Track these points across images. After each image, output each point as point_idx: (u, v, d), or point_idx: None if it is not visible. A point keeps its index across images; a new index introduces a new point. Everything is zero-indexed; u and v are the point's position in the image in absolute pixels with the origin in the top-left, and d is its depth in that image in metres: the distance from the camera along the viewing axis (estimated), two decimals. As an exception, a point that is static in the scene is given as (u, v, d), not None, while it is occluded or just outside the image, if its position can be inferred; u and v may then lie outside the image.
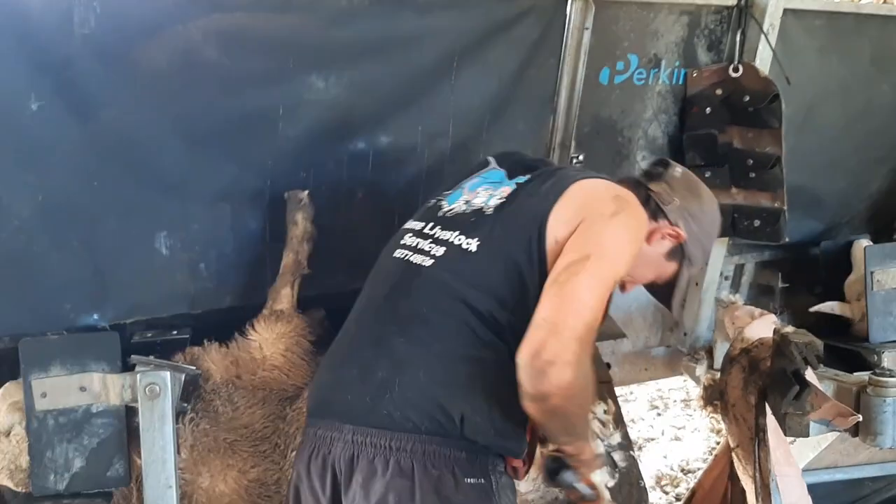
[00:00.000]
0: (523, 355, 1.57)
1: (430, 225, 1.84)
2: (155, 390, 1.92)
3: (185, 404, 2.05)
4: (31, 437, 1.96)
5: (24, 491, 2.04)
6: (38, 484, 1.97)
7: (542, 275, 1.66)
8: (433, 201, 1.94)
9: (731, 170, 2.66)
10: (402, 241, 1.85)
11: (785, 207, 2.60)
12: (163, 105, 2.00)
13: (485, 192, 1.86)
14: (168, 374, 1.93)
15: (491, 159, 2.01)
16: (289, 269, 2.21)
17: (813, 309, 2.86)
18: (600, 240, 1.67)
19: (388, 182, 2.32)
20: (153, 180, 2.06)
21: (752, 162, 2.63)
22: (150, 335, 2.17)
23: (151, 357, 1.99)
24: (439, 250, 1.75)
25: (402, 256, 1.80)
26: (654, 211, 1.91)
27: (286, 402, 2.13)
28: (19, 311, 2.04)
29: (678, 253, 1.94)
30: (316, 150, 2.20)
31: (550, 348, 1.55)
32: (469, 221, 1.79)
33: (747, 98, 2.58)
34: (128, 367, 2.00)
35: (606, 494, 1.79)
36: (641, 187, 1.94)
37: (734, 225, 2.68)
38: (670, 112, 2.65)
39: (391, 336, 1.67)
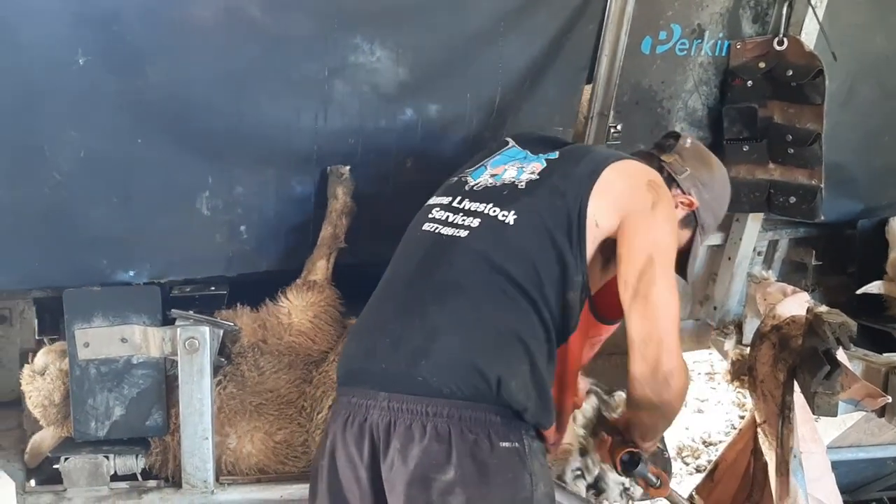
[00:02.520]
0: (642, 372, 1.73)
1: (458, 199, 1.85)
2: (194, 344, 1.97)
3: (223, 359, 2.09)
4: (74, 385, 2.02)
5: (53, 429, 2.10)
6: (79, 430, 2.03)
7: (582, 254, 1.72)
8: (455, 178, 1.95)
9: (770, 145, 2.63)
10: (429, 216, 1.85)
11: (822, 185, 2.58)
12: (208, 64, 2.00)
13: (512, 168, 1.87)
14: (207, 328, 1.98)
15: (510, 140, 2.02)
16: (326, 241, 2.24)
17: (860, 291, 2.82)
18: (654, 237, 1.76)
19: (436, 150, 2.32)
20: (197, 140, 2.07)
21: (791, 138, 2.59)
22: (188, 290, 2.21)
23: (191, 312, 2.03)
24: (473, 221, 1.76)
25: (432, 229, 1.81)
26: (668, 181, 1.96)
27: (312, 365, 2.18)
28: (58, 264, 2.08)
29: (691, 221, 2.01)
30: (363, 115, 2.20)
31: (666, 361, 1.72)
32: (501, 194, 1.80)
33: (790, 72, 2.54)
34: (168, 321, 2.05)
35: (668, 481, 2.03)
36: (654, 159, 2.01)
37: (769, 201, 2.66)
38: (711, 84, 2.62)
39: (424, 304, 1.68)
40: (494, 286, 1.67)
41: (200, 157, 2.09)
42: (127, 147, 2.03)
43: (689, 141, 2.07)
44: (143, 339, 2.00)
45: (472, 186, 1.87)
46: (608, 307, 1.87)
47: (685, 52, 2.53)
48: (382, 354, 1.66)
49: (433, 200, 1.91)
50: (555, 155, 1.87)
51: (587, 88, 2.49)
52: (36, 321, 2.23)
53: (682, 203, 1.98)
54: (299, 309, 2.16)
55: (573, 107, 2.45)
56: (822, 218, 2.63)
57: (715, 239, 2.83)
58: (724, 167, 2.13)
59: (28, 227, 2.03)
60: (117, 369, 2.02)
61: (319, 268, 2.22)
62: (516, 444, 1.61)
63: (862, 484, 3.41)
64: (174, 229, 2.17)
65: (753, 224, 2.78)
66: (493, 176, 1.87)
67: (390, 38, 2.12)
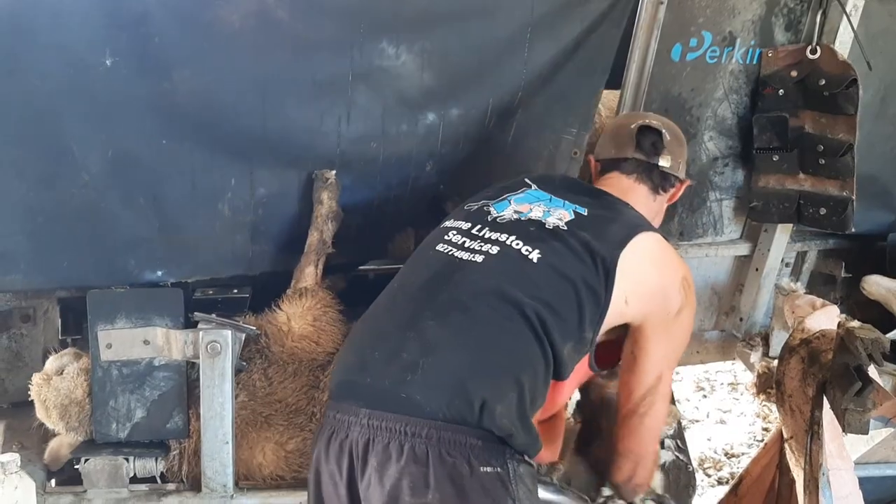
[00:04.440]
0: (619, 480, 1.99)
1: (479, 227, 1.82)
2: (216, 348, 1.96)
3: (244, 363, 2.09)
4: (96, 386, 2.02)
5: (73, 432, 2.10)
6: (100, 431, 2.03)
7: (601, 317, 1.73)
8: (476, 205, 1.92)
9: (801, 155, 2.59)
10: (445, 237, 1.82)
11: (853, 197, 2.53)
12: (235, 67, 2.01)
13: (539, 208, 1.86)
14: (229, 332, 1.98)
15: (530, 181, 1.98)
16: (313, 247, 2.22)
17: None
18: (669, 350, 1.89)
19: (455, 154, 2.31)
20: (221, 142, 2.07)
21: (822, 148, 2.55)
22: (211, 292, 2.21)
23: (213, 315, 2.03)
24: (492, 248, 1.74)
25: (445, 251, 1.78)
26: (672, 182, 2.09)
27: (318, 370, 2.16)
28: (86, 264, 2.09)
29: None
30: (386, 119, 2.19)
31: (640, 475, 1.98)
32: (528, 230, 1.77)
33: (823, 82, 2.49)
34: (190, 324, 2.05)
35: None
36: (655, 171, 2.06)
37: (799, 212, 2.61)
38: (742, 92, 2.58)
39: (423, 320, 1.64)
40: (500, 313, 1.64)
41: (224, 158, 2.10)
42: (153, 148, 2.03)
43: (666, 133, 2.07)
44: (165, 342, 2.00)
45: (496, 218, 1.84)
46: (602, 360, 1.93)
47: (716, 59, 2.49)
48: (372, 368, 1.63)
49: (451, 223, 1.88)
50: (583, 210, 1.85)
51: (607, 92, 2.46)
52: (59, 321, 2.24)
53: (683, 187, 2.15)
54: (297, 315, 2.14)
55: (590, 109, 2.43)
56: (853, 230, 2.59)
57: (742, 249, 2.79)
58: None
59: (57, 228, 2.04)
60: (139, 371, 2.02)
61: (308, 274, 2.21)
62: (498, 469, 1.56)
63: (889, 501, 3.35)
64: (199, 230, 2.17)
65: (782, 235, 2.74)
66: (517, 212, 1.85)
67: (417, 43, 2.11)
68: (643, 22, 2.32)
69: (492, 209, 1.88)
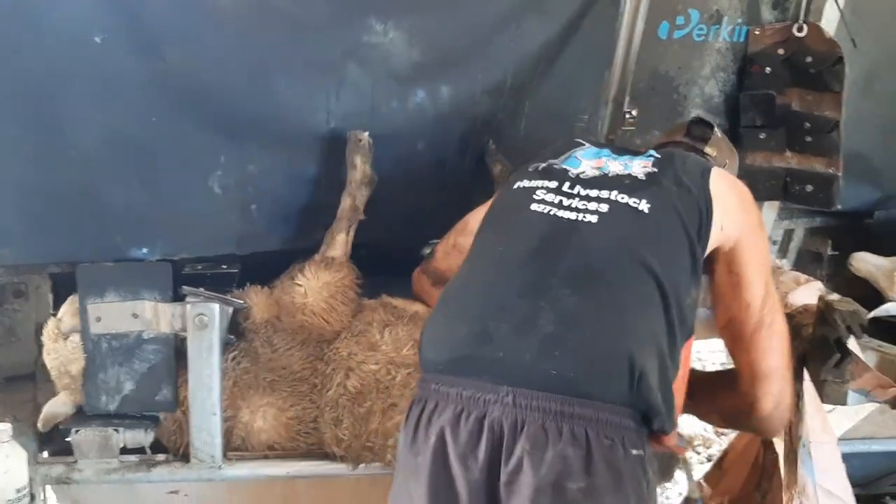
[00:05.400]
0: (768, 408, 1.82)
1: (569, 184, 1.72)
2: (204, 321, 1.99)
3: (232, 336, 2.11)
4: (86, 358, 2.04)
5: (66, 394, 2.12)
6: (90, 403, 2.06)
7: (704, 251, 1.69)
8: (543, 165, 1.81)
9: (788, 133, 2.61)
10: (534, 196, 1.71)
11: (839, 174, 2.55)
12: (223, 43, 2.01)
13: (614, 162, 1.78)
14: (217, 306, 2.00)
15: (580, 140, 1.92)
16: (346, 214, 2.19)
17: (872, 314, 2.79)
18: (765, 262, 1.82)
19: (446, 131, 2.32)
20: (212, 119, 2.08)
21: (809, 125, 2.57)
22: (200, 267, 2.22)
23: (201, 289, 2.05)
24: (602, 206, 1.65)
25: (545, 211, 1.67)
26: None
27: (324, 343, 2.17)
28: (75, 240, 2.11)
29: None
30: (376, 96, 2.19)
31: (785, 396, 1.85)
32: (623, 183, 1.70)
33: (810, 59, 2.51)
34: (178, 298, 2.07)
35: None
36: (699, 153, 2.02)
37: (786, 189, 2.63)
38: (729, 70, 2.59)
39: (554, 289, 1.51)
40: (633, 277, 1.55)
41: (213, 136, 2.10)
42: (143, 125, 2.04)
43: (718, 131, 2.09)
44: (153, 315, 2.02)
45: (578, 174, 1.74)
46: None
47: (703, 37, 2.50)
48: (502, 341, 1.48)
49: (530, 183, 1.76)
50: (654, 156, 1.81)
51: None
52: (51, 296, 2.26)
53: None
54: (315, 289, 2.11)
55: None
56: (839, 207, 2.61)
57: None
58: None
59: (47, 205, 2.06)
60: (128, 344, 2.04)
61: (339, 242, 2.18)
62: (642, 452, 1.48)
63: (876, 477, 3.37)
64: (187, 208, 2.18)
65: (769, 213, 2.76)
66: (596, 168, 1.76)
67: (405, 20, 2.12)
68: (629, 0, 2.33)
69: (566, 167, 1.79)
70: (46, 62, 1.92)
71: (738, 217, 1.77)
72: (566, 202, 1.67)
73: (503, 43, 2.26)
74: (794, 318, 2.21)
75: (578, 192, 1.69)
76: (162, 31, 1.96)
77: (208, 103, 2.07)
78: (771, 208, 2.75)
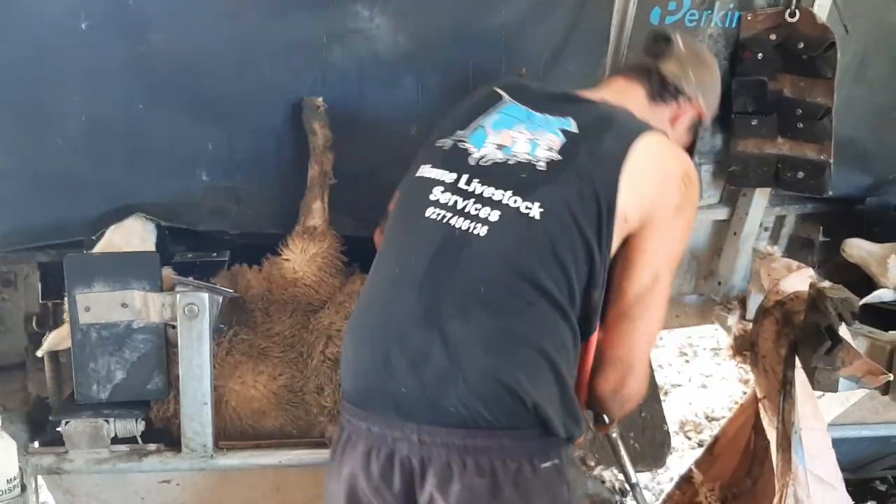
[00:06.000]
0: (604, 392, 1.76)
1: (466, 178, 1.65)
2: (193, 310, 1.98)
3: (222, 325, 2.11)
4: (76, 348, 2.03)
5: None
6: (81, 392, 2.05)
7: (608, 249, 1.61)
8: (451, 142, 1.74)
9: (779, 119, 2.59)
10: (431, 197, 1.65)
11: (831, 160, 2.54)
12: (209, 29, 2.01)
13: (523, 138, 1.68)
14: (206, 295, 1.98)
15: (501, 92, 1.81)
16: (316, 181, 2.19)
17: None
18: (668, 251, 1.70)
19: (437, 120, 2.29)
20: (198, 106, 2.08)
21: (800, 112, 2.55)
22: (190, 256, 2.22)
23: (191, 278, 2.04)
24: (493, 215, 1.58)
25: (439, 218, 1.62)
26: (673, 93, 1.92)
27: (310, 312, 2.19)
28: (62, 228, 2.11)
29: (697, 125, 2.02)
30: (363, 82, 2.18)
31: (629, 385, 1.75)
32: (520, 178, 1.62)
33: (802, 45, 2.49)
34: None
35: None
36: (653, 74, 1.92)
37: (777, 175, 2.62)
38: (721, 56, 2.56)
39: (445, 318, 1.51)
40: (519, 296, 1.54)
41: (201, 122, 2.10)
42: (128, 112, 2.05)
43: (680, 42, 1.95)
44: (143, 305, 2.01)
45: (479, 161, 1.66)
46: None
47: (695, 23, 2.47)
48: (402, 376, 1.51)
49: (429, 172, 1.71)
50: (570, 125, 1.69)
51: None
52: (40, 285, 2.26)
53: (690, 113, 1.96)
54: (303, 262, 2.15)
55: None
56: (831, 193, 2.60)
57: (721, 214, 2.80)
58: (713, 56, 2.11)
59: (32, 191, 2.05)
60: (118, 333, 2.03)
61: (316, 210, 2.18)
62: (556, 461, 1.53)
63: (866, 462, 3.40)
64: (176, 195, 2.18)
65: (760, 199, 2.75)
66: (500, 147, 1.67)
67: (391, 5, 2.10)
68: (621, -15, 2.32)
69: (469, 145, 1.70)
70: (31, 49, 1.91)
71: (648, 202, 1.65)
72: (460, 204, 1.62)
73: (494, 28, 2.23)
74: (785, 305, 2.22)
75: (474, 192, 1.62)
76: (147, 16, 1.97)
77: (194, 89, 2.07)
78: (762, 195, 2.75)
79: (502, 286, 1.54)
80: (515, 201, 1.59)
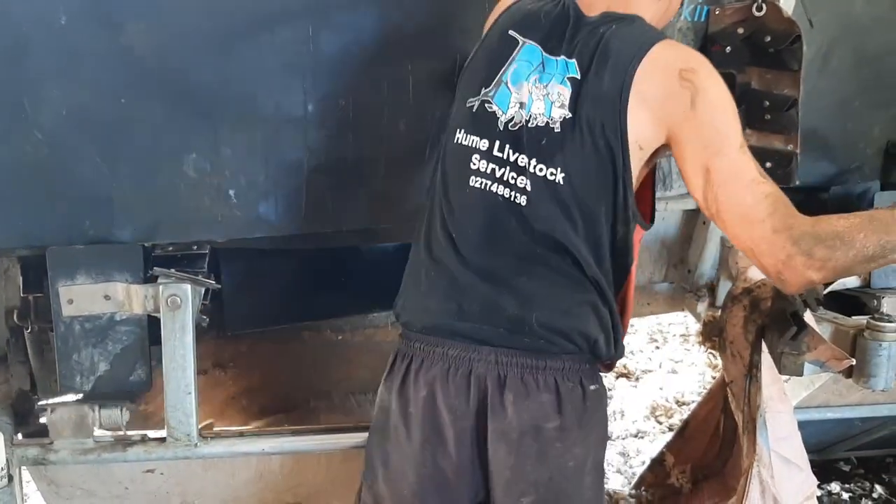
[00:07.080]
0: (785, 269, 1.66)
1: (498, 144, 1.76)
2: (176, 302, 2.00)
3: (205, 317, 2.12)
4: (59, 341, 2.05)
5: None
6: (65, 384, 2.06)
7: (629, 185, 1.72)
8: (478, 102, 1.81)
9: (748, 111, 2.64)
10: (472, 166, 1.78)
11: (798, 151, 2.61)
12: (192, 22, 1.98)
13: (538, 93, 1.74)
14: (189, 286, 2.01)
15: (514, 34, 1.83)
16: None
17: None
18: (705, 140, 1.69)
19: (428, 110, 2.25)
20: (183, 100, 2.04)
21: (768, 104, 2.61)
22: (171, 249, 2.22)
23: (173, 270, 2.06)
24: (528, 184, 1.73)
25: (482, 187, 1.77)
26: None
27: None
28: (39, 223, 2.07)
29: None
30: (351, 74, 2.14)
31: (794, 228, 1.73)
32: (541, 144, 1.73)
33: (769, 38, 2.54)
34: (150, 279, 2.07)
35: None
36: None
37: (746, 166, 2.68)
38: (690, 50, 2.62)
39: (511, 275, 1.74)
40: (562, 259, 1.73)
41: (186, 117, 2.06)
42: (110, 106, 2.00)
43: None
44: (126, 297, 2.02)
45: (507, 125, 1.76)
46: (645, 203, 1.86)
47: (665, 17, 2.53)
48: (477, 318, 1.73)
49: (466, 140, 1.81)
50: (574, 70, 1.73)
51: None
52: (21, 279, 2.25)
53: None
54: None
55: None
56: (798, 183, 2.67)
57: (691, 203, 2.85)
58: None
59: (9, 186, 2.02)
60: (101, 326, 2.05)
61: None
62: (598, 386, 1.80)
63: (830, 444, 3.50)
64: (160, 191, 2.13)
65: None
66: (521, 106, 1.75)
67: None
68: (594, -20, 2.34)
69: (495, 107, 1.79)
70: (10, 40, 1.89)
71: (660, 115, 1.69)
72: (498, 172, 1.76)
73: (478, 17, 2.22)
74: (753, 292, 2.29)
75: (507, 158, 1.75)
76: (128, 9, 1.94)
77: (178, 83, 2.03)
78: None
79: (546, 252, 1.73)
80: (541, 169, 1.73)
